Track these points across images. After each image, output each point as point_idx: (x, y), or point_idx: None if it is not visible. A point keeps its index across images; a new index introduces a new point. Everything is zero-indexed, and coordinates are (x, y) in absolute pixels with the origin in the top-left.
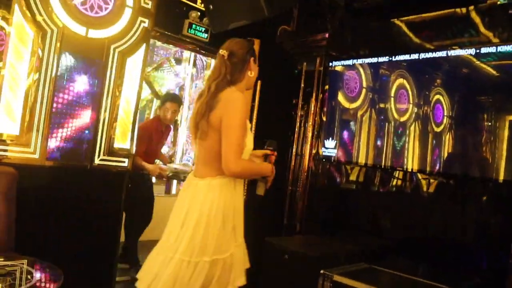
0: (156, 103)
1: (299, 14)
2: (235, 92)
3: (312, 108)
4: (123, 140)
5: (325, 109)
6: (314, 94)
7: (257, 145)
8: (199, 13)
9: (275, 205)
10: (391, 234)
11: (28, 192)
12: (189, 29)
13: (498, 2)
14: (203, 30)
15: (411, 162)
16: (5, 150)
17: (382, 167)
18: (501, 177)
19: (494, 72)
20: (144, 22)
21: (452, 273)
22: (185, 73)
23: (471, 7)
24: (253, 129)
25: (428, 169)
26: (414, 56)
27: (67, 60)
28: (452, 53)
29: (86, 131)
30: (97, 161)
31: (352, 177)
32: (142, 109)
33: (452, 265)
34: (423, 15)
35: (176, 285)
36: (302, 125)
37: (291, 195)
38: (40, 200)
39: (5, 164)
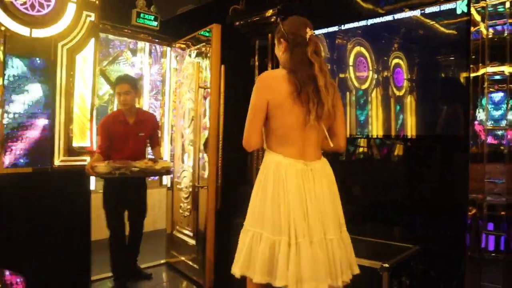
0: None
1: None
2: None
3: None
4: (82, 138)
5: None
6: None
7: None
8: (145, 1)
9: (244, 186)
10: (357, 200)
11: None
12: (138, 19)
13: None
14: (152, 18)
15: (375, 128)
16: None
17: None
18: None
19: (444, 31)
20: (90, 16)
21: (422, 233)
22: (141, 64)
23: None
24: (221, 113)
25: (392, 133)
26: (363, 23)
27: (14, 63)
28: (398, 16)
29: (43, 134)
30: (57, 162)
31: None
32: (105, 104)
33: (422, 225)
34: None
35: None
36: None
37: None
38: (3, 209)
39: None
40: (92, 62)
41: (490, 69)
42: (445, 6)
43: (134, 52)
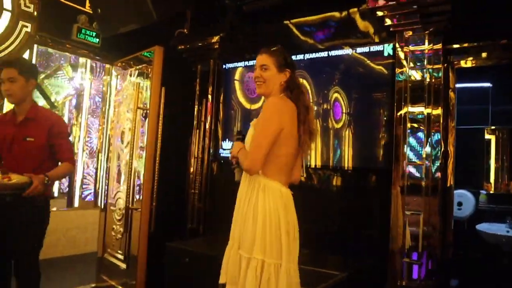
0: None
1: (192, 17)
2: None
3: (207, 111)
4: None
5: (221, 112)
6: (209, 97)
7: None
8: (88, 17)
9: (179, 209)
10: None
11: None
12: (79, 34)
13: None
14: (93, 35)
15: (313, 158)
16: None
17: None
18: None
19: (375, 70)
20: (26, 26)
21: (347, 260)
22: (82, 79)
23: (353, 10)
24: (159, 135)
25: (329, 163)
26: (300, 57)
27: None
28: (333, 53)
29: None
30: None
31: None
32: None
33: (348, 253)
34: (312, 17)
35: None
36: (198, 127)
37: (193, 198)
38: None
39: None
40: None
41: (411, 109)
42: (374, 48)
43: (75, 67)
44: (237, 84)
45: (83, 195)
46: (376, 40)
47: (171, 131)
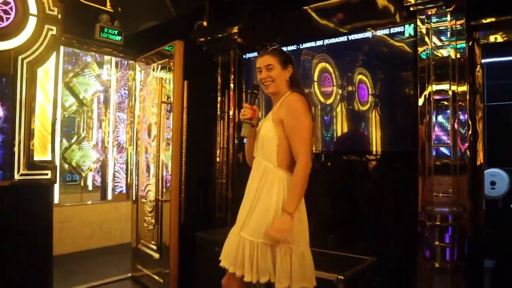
0: (84, 109)
1: (210, 9)
2: None
3: (230, 101)
4: (44, 152)
5: (243, 101)
6: (231, 87)
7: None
8: (109, 16)
9: (207, 199)
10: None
11: None
12: (102, 33)
13: None
14: (116, 33)
15: (339, 143)
16: None
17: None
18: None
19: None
20: (52, 29)
21: (376, 244)
22: (108, 76)
23: None
24: (184, 128)
25: (355, 148)
26: (319, 43)
27: None
28: (353, 36)
29: (2, 147)
30: (17, 176)
31: None
32: (73, 115)
33: (376, 237)
34: (331, 1)
35: None
36: (222, 118)
37: (220, 188)
38: None
39: None
40: (53, 76)
41: (436, 87)
42: (395, 29)
43: (100, 64)
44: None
45: (115, 188)
46: (397, 20)
47: (195, 123)
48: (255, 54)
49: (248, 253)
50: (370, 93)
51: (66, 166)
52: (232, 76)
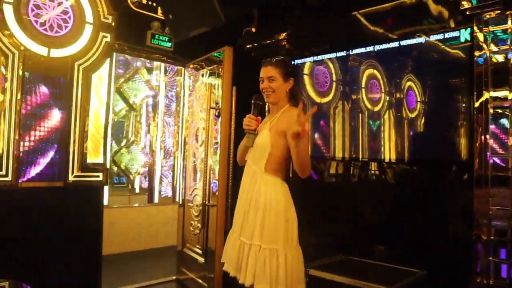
0: (133, 113)
1: (259, 15)
2: None
3: None
4: (96, 155)
5: None
6: None
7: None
8: (160, 23)
9: None
10: (367, 224)
11: (5, 216)
12: (153, 40)
13: None
14: (166, 40)
15: (387, 151)
16: None
17: (358, 159)
18: (463, 158)
19: (451, 56)
20: (106, 37)
21: (426, 257)
22: (157, 82)
23: None
24: (232, 134)
25: (404, 156)
26: (370, 49)
27: (32, 82)
28: (404, 42)
29: (58, 150)
30: (71, 178)
31: (330, 171)
32: (122, 120)
33: (427, 249)
34: (381, 6)
35: None
36: None
37: None
38: (18, 222)
39: None
40: (107, 81)
41: (493, 94)
42: (450, 34)
43: (150, 70)
44: (306, 79)
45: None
46: (451, 25)
47: (243, 129)
48: (304, 60)
49: (246, 256)
50: (419, 100)
51: (115, 169)
52: None
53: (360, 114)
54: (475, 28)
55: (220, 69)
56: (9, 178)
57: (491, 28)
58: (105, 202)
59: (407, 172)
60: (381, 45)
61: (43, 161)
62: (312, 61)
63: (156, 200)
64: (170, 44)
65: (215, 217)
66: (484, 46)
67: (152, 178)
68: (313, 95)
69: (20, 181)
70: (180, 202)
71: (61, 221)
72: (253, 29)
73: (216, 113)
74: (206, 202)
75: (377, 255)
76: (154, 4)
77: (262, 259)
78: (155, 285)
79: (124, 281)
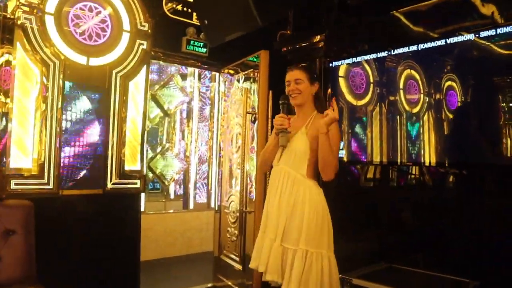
0: (167, 120)
1: (295, 18)
2: None
3: None
4: (133, 162)
5: None
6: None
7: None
8: (195, 29)
9: None
10: (410, 231)
11: (47, 223)
12: (188, 46)
13: None
14: (201, 45)
15: (427, 154)
16: (20, 184)
17: (396, 163)
18: None
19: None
20: (143, 44)
21: (476, 266)
22: (191, 88)
23: None
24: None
25: (445, 160)
26: (413, 48)
27: (72, 90)
28: (451, 40)
29: (97, 157)
30: (110, 185)
31: (368, 175)
32: (155, 127)
33: (475, 258)
34: (423, 3)
35: None
36: None
37: None
38: (59, 230)
39: (21, 197)
40: (143, 88)
41: None
42: (502, 30)
43: (184, 76)
44: (342, 81)
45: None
46: (501, 21)
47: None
48: (342, 62)
49: (291, 261)
50: (460, 100)
51: (151, 175)
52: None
53: (398, 116)
54: None
55: (256, 74)
56: (50, 186)
57: None
58: (142, 208)
59: (449, 176)
60: (422, 44)
61: (83, 169)
62: (349, 62)
63: (191, 206)
64: (205, 49)
65: (252, 223)
66: None
67: (187, 184)
68: (349, 98)
69: (61, 188)
70: (216, 208)
71: (99, 229)
72: (289, 32)
73: (252, 119)
74: (244, 209)
75: (420, 263)
76: (189, 10)
77: (308, 263)
78: None
79: (161, 287)
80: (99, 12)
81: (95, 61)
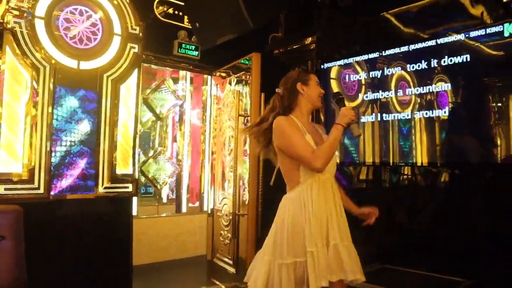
0: (159, 123)
1: (286, 20)
2: (276, 119)
3: None
4: (125, 166)
5: (320, 112)
6: None
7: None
8: (187, 32)
9: None
10: (403, 231)
11: (37, 228)
12: (179, 49)
13: None
14: (193, 48)
15: (419, 154)
16: (10, 189)
17: (389, 163)
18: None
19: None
20: (134, 47)
21: (470, 265)
22: (183, 91)
23: None
24: None
25: (437, 160)
26: (404, 49)
27: (62, 94)
28: (441, 40)
29: (88, 161)
30: (101, 189)
31: (361, 176)
32: (148, 131)
33: (468, 258)
34: (413, 4)
35: None
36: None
37: None
38: (50, 235)
39: (11, 202)
40: (135, 92)
41: None
42: (491, 29)
43: (175, 79)
44: (334, 83)
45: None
46: (488, 20)
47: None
48: (333, 63)
49: (344, 255)
50: (451, 100)
51: (143, 179)
52: None
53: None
54: None
55: (248, 76)
56: (41, 191)
57: None
58: (134, 212)
59: (441, 177)
60: (415, 45)
61: (74, 173)
62: (341, 64)
63: (184, 209)
64: (196, 52)
65: (246, 226)
66: None
67: (179, 188)
68: None
69: (51, 193)
70: (209, 212)
71: (91, 233)
72: (280, 34)
73: (244, 121)
74: (236, 212)
75: (415, 263)
76: (181, 14)
77: (353, 253)
78: None
79: None
80: (90, 16)
81: (86, 65)
